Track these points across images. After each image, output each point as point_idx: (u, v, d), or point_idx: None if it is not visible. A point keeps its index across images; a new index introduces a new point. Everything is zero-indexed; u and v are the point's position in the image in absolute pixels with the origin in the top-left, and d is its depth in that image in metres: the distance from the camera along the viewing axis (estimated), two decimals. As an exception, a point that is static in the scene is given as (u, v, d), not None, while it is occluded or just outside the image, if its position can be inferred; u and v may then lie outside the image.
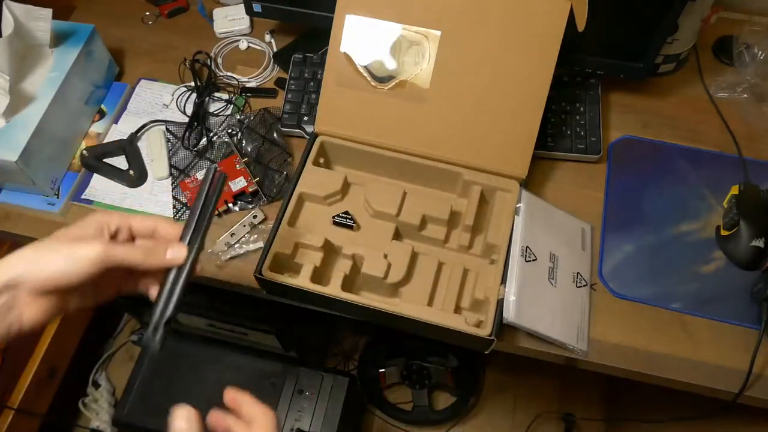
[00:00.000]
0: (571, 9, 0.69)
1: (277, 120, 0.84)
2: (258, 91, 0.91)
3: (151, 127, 0.86)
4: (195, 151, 0.83)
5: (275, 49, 0.95)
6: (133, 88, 0.91)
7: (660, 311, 0.72)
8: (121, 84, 0.91)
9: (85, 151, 0.83)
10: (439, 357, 1.39)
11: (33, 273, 0.45)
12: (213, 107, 0.88)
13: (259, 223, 0.77)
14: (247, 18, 0.97)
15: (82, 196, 0.81)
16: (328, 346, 1.47)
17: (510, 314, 0.64)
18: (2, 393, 1.08)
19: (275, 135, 0.83)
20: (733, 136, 0.84)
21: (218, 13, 0.97)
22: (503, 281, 0.67)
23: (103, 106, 0.89)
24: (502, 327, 0.66)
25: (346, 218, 0.74)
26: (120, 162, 0.83)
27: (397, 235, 0.74)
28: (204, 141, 0.84)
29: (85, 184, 0.82)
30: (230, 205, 0.79)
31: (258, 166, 0.81)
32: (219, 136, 0.84)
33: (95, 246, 0.46)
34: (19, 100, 0.76)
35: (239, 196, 0.79)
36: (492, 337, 0.63)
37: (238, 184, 0.78)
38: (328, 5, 0.75)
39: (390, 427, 1.40)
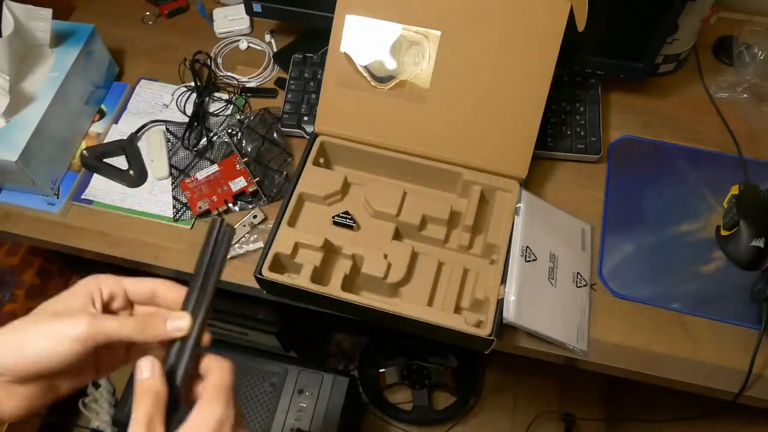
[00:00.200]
0: (571, 9, 0.69)
1: (277, 120, 0.84)
2: (258, 91, 0.91)
3: (151, 127, 0.86)
4: (195, 151, 0.83)
5: (275, 49, 0.95)
6: (133, 88, 0.91)
7: (660, 311, 0.72)
8: (121, 84, 0.91)
9: (85, 151, 0.83)
10: (439, 357, 1.39)
11: (11, 359, 0.39)
12: (213, 107, 0.88)
13: (259, 223, 0.77)
14: (247, 18, 0.97)
15: (82, 196, 0.81)
16: (328, 346, 1.47)
17: (510, 314, 0.64)
18: (2, 393, 1.08)
19: (275, 135, 0.83)
20: (733, 136, 0.84)
21: (218, 13, 0.97)
22: (503, 281, 0.67)
23: (103, 106, 0.89)
24: (502, 327, 0.66)
25: (346, 218, 0.74)
26: (120, 162, 0.83)
27: (397, 235, 0.74)
28: (204, 141, 0.84)
29: (85, 184, 0.82)
30: (230, 205, 0.79)
31: (258, 166, 0.81)
32: (219, 136, 0.84)
33: (79, 321, 0.39)
34: (19, 100, 0.76)
35: (239, 196, 0.79)
36: (492, 337, 0.63)
37: (238, 184, 0.78)
38: (328, 5, 0.75)
39: (390, 427, 1.40)
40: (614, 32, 0.79)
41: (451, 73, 0.72)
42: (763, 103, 0.86)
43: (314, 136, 0.77)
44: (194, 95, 0.89)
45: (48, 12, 0.77)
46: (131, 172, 0.82)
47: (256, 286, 0.71)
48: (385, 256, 0.70)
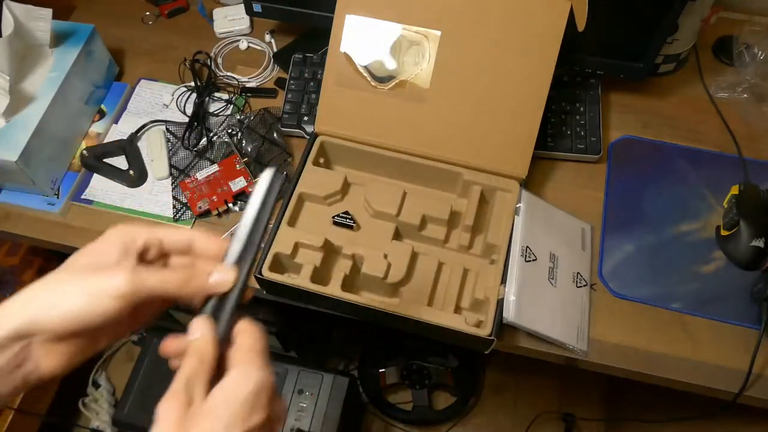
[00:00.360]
0: (571, 9, 0.69)
1: (277, 120, 0.84)
2: (258, 91, 0.91)
3: (151, 127, 0.86)
4: (195, 151, 0.83)
5: (275, 49, 0.95)
6: (133, 88, 0.91)
7: (660, 311, 0.72)
8: (121, 84, 0.91)
9: (85, 151, 0.83)
10: (439, 357, 1.39)
11: (47, 317, 0.36)
12: (213, 107, 0.88)
13: (259, 223, 0.77)
14: (247, 18, 0.97)
15: (82, 196, 0.81)
16: (328, 346, 1.47)
17: (510, 314, 0.64)
18: (2, 393, 1.08)
19: (275, 135, 0.83)
20: (733, 136, 0.84)
21: (218, 13, 0.97)
22: (503, 281, 0.67)
23: (103, 106, 0.89)
24: (502, 327, 0.66)
25: (346, 218, 0.74)
26: (120, 162, 0.83)
27: (397, 235, 0.74)
28: (204, 141, 0.84)
29: (85, 184, 0.82)
30: (230, 205, 0.79)
31: (258, 166, 0.81)
32: (219, 136, 0.84)
33: (119, 277, 0.37)
34: (19, 100, 0.76)
35: (239, 196, 0.79)
36: (492, 337, 0.63)
37: (238, 184, 0.78)
38: (328, 5, 0.75)
39: (390, 427, 1.40)
40: (614, 32, 0.79)
41: (451, 73, 0.72)
42: (763, 103, 0.86)
43: (314, 136, 0.77)
44: (194, 95, 0.89)
45: (48, 12, 0.77)
46: (131, 172, 0.82)
47: (256, 286, 0.71)
48: (385, 256, 0.70)
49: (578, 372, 0.74)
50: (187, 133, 0.84)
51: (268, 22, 0.98)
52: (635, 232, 0.77)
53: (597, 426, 1.40)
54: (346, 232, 0.74)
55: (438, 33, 0.72)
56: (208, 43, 0.95)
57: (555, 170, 0.82)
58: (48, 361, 0.39)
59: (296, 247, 0.70)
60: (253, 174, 0.79)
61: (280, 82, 0.91)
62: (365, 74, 0.74)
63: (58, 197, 0.81)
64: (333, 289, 0.67)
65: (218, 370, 0.38)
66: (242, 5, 0.89)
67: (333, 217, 0.74)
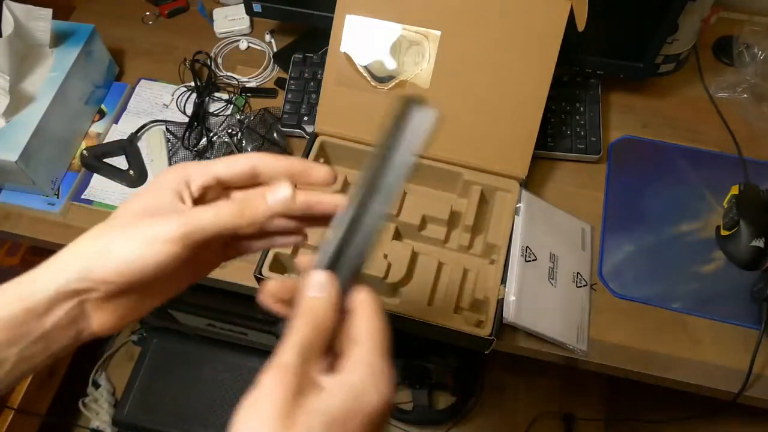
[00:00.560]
0: (571, 9, 0.69)
1: (277, 120, 0.84)
2: (258, 91, 0.91)
3: (151, 127, 0.86)
4: (195, 151, 0.83)
5: (275, 49, 0.95)
6: (133, 88, 0.91)
7: (660, 311, 0.72)
8: (121, 84, 0.91)
9: (85, 151, 0.83)
10: (439, 357, 1.39)
11: (100, 267, 0.33)
12: (213, 107, 0.88)
13: (259, 223, 0.77)
14: (247, 18, 0.97)
15: (82, 196, 0.81)
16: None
17: (510, 314, 0.64)
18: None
19: (275, 135, 0.83)
20: (733, 136, 0.84)
21: (218, 13, 0.97)
22: (503, 281, 0.67)
23: (103, 106, 0.89)
24: (502, 327, 0.66)
25: (346, 218, 0.74)
26: (120, 162, 0.83)
27: (397, 235, 0.74)
28: (204, 141, 0.84)
29: (85, 184, 0.82)
30: (230, 205, 0.78)
31: (258, 166, 0.81)
32: (219, 136, 0.84)
33: (169, 220, 0.34)
34: (19, 100, 0.76)
35: (239, 196, 0.79)
36: (492, 337, 0.63)
37: (238, 184, 0.78)
38: (328, 5, 0.75)
39: (390, 427, 1.40)
40: (614, 32, 0.79)
41: (451, 73, 0.72)
42: (763, 103, 0.86)
43: (314, 136, 0.77)
44: (194, 95, 0.89)
45: (48, 12, 0.77)
46: (131, 172, 0.82)
47: (256, 286, 0.71)
48: (385, 256, 0.70)
49: (578, 372, 0.74)
50: (187, 133, 0.84)
51: (268, 22, 0.98)
52: (635, 232, 0.77)
53: (597, 426, 1.40)
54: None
55: (438, 33, 0.72)
56: (208, 43, 0.95)
57: (555, 170, 0.82)
58: (101, 317, 0.36)
59: (296, 247, 0.70)
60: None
61: (280, 82, 0.91)
62: (365, 74, 0.74)
63: (58, 197, 0.81)
64: (333, 289, 0.67)
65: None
66: (242, 5, 0.89)
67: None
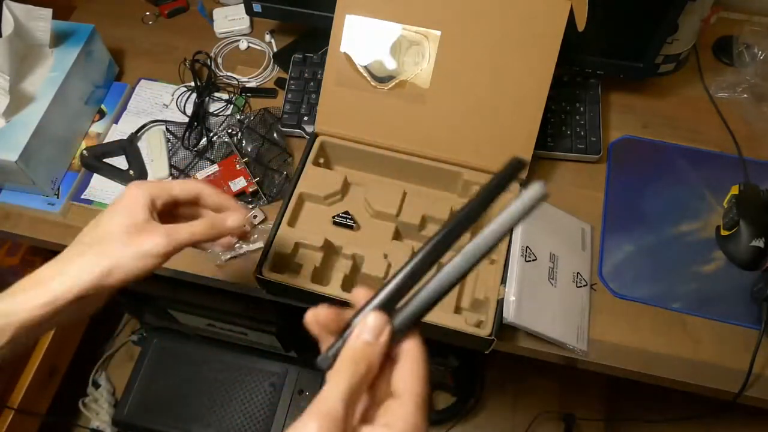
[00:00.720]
0: (571, 9, 0.69)
1: (277, 120, 0.84)
2: (258, 91, 0.91)
3: (151, 127, 0.86)
4: (195, 151, 0.83)
5: (275, 49, 0.95)
6: (133, 88, 0.91)
7: (660, 311, 0.72)
8: (121, 84, 0.91)
9: (85, 151, 0.83)
10: (439, 357, 1.39)
11: (112, 280, 0.46)
12: (213, 107, 0.88)
13: (259, 223, 0.77)
14: (247, 18, 0.97)
15: (82, 196, 0.81)
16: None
17: (510, 314, 0.64)
18: (2, 393, 1.08)
19: (275, 135, 0.83)
20: (733, 136, 0.84)
21: (218, 13, 0.97)
22: (503, 281, 0.67)
23: (103, 106, 0.89)
24: (502, 327, 0.66)
25: (346, 218, 0.74)
26: (120, 162, 0.83)
27: (397, 235, 0.74)
28: (204, 141, 0.84)
29: (85, 184, 0.82)
30: (230, 205, 0.79)
31: (258, 166, 0.81)
32: (219, 136, 0.84)
33: (158, 240, 0.47)
34: (19, 100, 0.76)
35: (239, 196, 0.79)
36: (492, 337, 0.63)
37: (238, 184, 0.78)
38: (328, 5, 0.75)
39: (390, 427, 1.39)
40: (614, 32, 0.79)
41: (451, 73, 0.72)
42: (763, 103, 0.86)
43: (314, 136, 0.77)
44: (194, 95, 0.89)
45: (48, 12, 0.77)
46: (131, 172, 0.82)
47: (256, 286, 0.71)
48: (385, 256, 0.70)
49: (578, 372, 0.74)
50: (187, 133, 0.84)
51: (268, 22, 0.98)
52: (635, 232, 0.77)
53: (597, 426, 1.40)
54: (346, 232, 0.74)
55: (438, 33, 0.72)
56: (208, 43, 0.95)
57: (555, 170, 0.82)
58: (104, 300, 0.50)
59: (296, 247, 0.70)
60: (253, 174, 0.79)
61: (280, 82, 0.91)
62: (365, 74, 0.74)
63: (58, 197, 0.81)
64: (333, 289, 0.67)
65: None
66: (242, 5, 0.89)
67: (333, 217, 0.74)
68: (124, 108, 0.89)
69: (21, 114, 0.76)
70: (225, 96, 0.89)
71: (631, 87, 0.89)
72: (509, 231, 0.33)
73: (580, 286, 0.72)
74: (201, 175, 0.79)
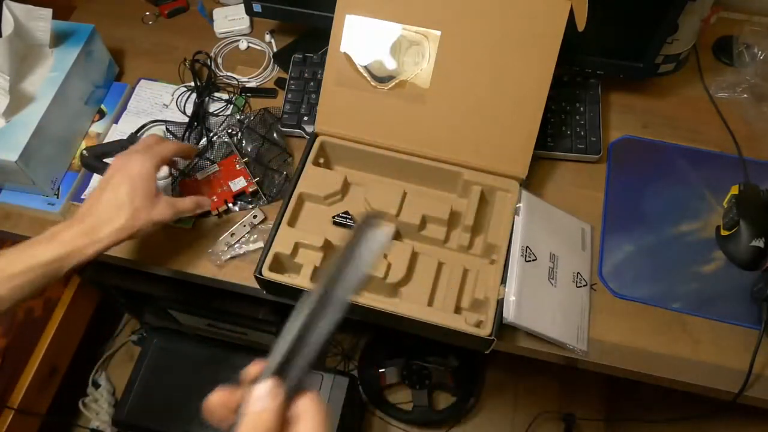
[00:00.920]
0: (571, 9, 0.69)
1: (277, 120, 0.84)
2: (258, 91, 0.91)
3: (151, 127, 0.86)
4: (195, 151, 0.83)
5: (275, 49, 0.95)
6: (133, 88, 0.91)
7: (660, 311, 0.72)
8: (121, 84, 0.91)
9: (85, 151, 0.83)
10: (439, 357, 1.39)
11: (138, 234, 0.63)
12: (213, 107, 0.88)
13: (259, 223, 0.77)
14: (247, 18, 0.97)
15: (82, 196, 0.81)
16: (328, 346, 1.47)
17: (510, 314, 0.64)
18: (2, 393, 1.08)
19: (275, 135, 0.83)
20: (733, 136, 0.84)
21: (218, 13, 0.97)
22: (503, 281, 0.67)
23: (103, 106, 0.89)
24: (502, 327, 0.66)
25: (346, 218, 0.74)
26: (120, 162, 0.83)
27: (397, 235, 0.74)
28: (204, 141, 0.84)
29: (85, 184, 0.82)
30: (230, 205, 0.79)
31: (258, 166, 0.81)
32: (219, 136, 0.84)
33: (167, 210, 0.65)
34: (19, 100, 0.76)
35: (239, 196, 0.79)
36: (492, 337, 0.63)
37: (238, 184, 0.78)
38: (328, 5, 0.75)
39: (390, 427, 1.40)
40: (614, 32, 0.79)
41: (451, 73, 0.72)
42: (763, 103, 0.86)
43: (314, 136, 0.77)
44: (194, 95, 0.89)
45: (48, 12, 0.77)
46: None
47: (256, 286, 0.71)
48: (385, 256, 0.70)
49: (578, 372, 0.74)
50: (187, 133, 0.84)
51: (268, 22, 0.98)
52: (635, 232, 0.77)
53: (597, 426, 1.40)
54: (346, 232, 0.74)
55: (438, 33, 0.72)
56: (208, 43, 0.95)
57: (555, 170, 0.82)
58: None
59: (296, 247, 0.70)
60: (253, 174, 0.79)
61: (280, 82, 0.91)
62: (365, 74, 0.74)
63: (58, 197, 0.81)
64: (333, 289, 0.67)
65: None
66: (242, 5, 0.89)
67: (333, 217, 0.74)
68: (124, 108, 0.89)
69: (21, 114, 0.76)
70: (225, 96, 0.89)
71: (631, 87, 0.89)
72: (363, 277, 0.37)
73: (580, 286, 0.72)
74: (201, 175, 0.79)
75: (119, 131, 0.86)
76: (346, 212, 0.74)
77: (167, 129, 0.85)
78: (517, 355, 0.72)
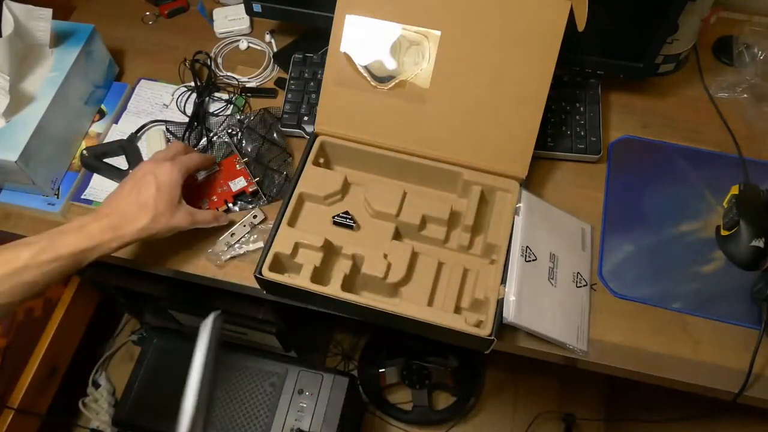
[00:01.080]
0: (571, 9, 0.69)
1: (277, 120, 0.84)
2: (258, 91, 0.91)
3: (151, 127, 0.86)
4: (195, 151, 0.83)
5: (275, 49, 0.95)
6: (133, 88, 0.91)
7: (660, 311, 0.72)
8: (121, 84, 0.91)
9: (85, 151, 0.83)
10: (439, 357, 1.39)
11: (153, 237, 0.67)
12: (213, 107, 0.88)
13: (259, 223, 0.77)
14: (247, 18, 0.97)
15: (82, 196, 0.81)
16: (328, 346, 1.47)
17: (510, 314, 0.64)
18: (2, 393, 1.08)
19: (275, 135, 0.83)
20: (733, 136, 0.84)
21: (218, 13, 0.97)
22: (503, 281, 0.67)
23: (103, 106, 0.89)
24: (502, 327, 0.66)
25: (346, 218, 0.74)
26: (120, 162, 0.83)
27: (397, 235, 0.74)
28: (204, 141, 0.84)
29: (85, 184, 0.82)
30: (230, 205, 0.79)
31: (258, 166, 0.81)
32: (219, 136, 0.84)
33: (185, 219, 0.69)
34: (19, 100, 0.76)
35: (239, 196, 0.79)
36: (492, 337, 0.63)
37: (238, 184, 0.78)
38: (328, 5, 0.75)
39: (390, 427, 1.40)
40: (614, 32, 0.79)
41: (451, 73, 0.72)
42: (763, 103, 0.86)
43: (314, 136, 0.77)
44: (194, 95, 0.89)
45: (48, 12, 0.77)
46: (131, 172, 0.82)
47: (256, 286, 0.71)
48: (385, 256, 0.70)
49: (578, 372, 0.74)
50: (187, 133, 0.84)
51: (268, 22, 0.98)
52: (635, 232, 0.77)
53: (597, 426, 1.40)
54: (346, 232, 0.74)
55: (438, 33, 0.72)
56: (208, 43, 0.95)
57: (555, 170, 0.82)
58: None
59: (296, 247, 0.70)
60: (253, 174, 0.79)
61: (280, 82, 0.91)
62: (365, 74, 0.74)
63: (58, 197, 0.81)
64: (333, 289, 0.67)
65: None
66: (242, 5, 0.89)
67: (333, 217, 0.74)
68: (124, 108, 0.89)
69: (21, 114, 0.76)
70: (225, 96, 0.89)
71: (631, 87, 0.89)
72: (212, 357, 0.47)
73: (580, 286, 0.72)
74: (201, 175, 0.79)
75: (119, 131, 0.86)
76: (346, 212, 0.74)
77: (167, 129, 0.85)
78: (517, 355, 0.72)
